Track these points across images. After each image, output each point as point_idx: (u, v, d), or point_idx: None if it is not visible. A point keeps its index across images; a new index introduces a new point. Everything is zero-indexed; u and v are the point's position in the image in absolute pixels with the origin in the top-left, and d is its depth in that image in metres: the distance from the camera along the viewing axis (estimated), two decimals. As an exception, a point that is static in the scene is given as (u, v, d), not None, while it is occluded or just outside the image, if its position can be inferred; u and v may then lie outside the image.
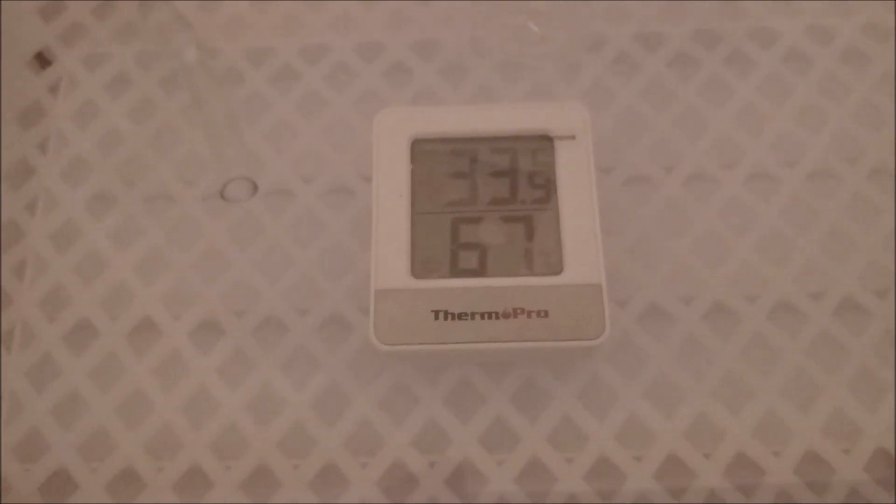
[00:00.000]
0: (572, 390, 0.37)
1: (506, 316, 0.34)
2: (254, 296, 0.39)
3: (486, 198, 0.37)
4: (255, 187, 0.39)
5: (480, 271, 0.35)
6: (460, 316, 0.34)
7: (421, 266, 0.35)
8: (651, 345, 0.37)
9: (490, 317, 0.34)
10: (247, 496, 0.35)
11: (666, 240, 0.39)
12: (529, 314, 0.34)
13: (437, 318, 0.34)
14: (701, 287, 0.38)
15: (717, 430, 0.36)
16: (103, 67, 0.43)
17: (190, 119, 0.42)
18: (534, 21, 0.41)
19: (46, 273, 0.39)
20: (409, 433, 0.36)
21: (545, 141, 0.37)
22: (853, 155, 0.41)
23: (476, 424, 0.36)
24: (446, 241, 0.36)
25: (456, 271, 0.35)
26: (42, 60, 0.45)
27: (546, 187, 0.37)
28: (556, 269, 0.35)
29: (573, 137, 0.37)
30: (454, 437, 0.36)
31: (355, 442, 0.36)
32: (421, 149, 0.37)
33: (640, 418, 0.36)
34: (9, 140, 0.42)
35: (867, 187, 0.40)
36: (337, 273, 0.39)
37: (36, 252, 0.40)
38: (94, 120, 0.42)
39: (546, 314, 0.34)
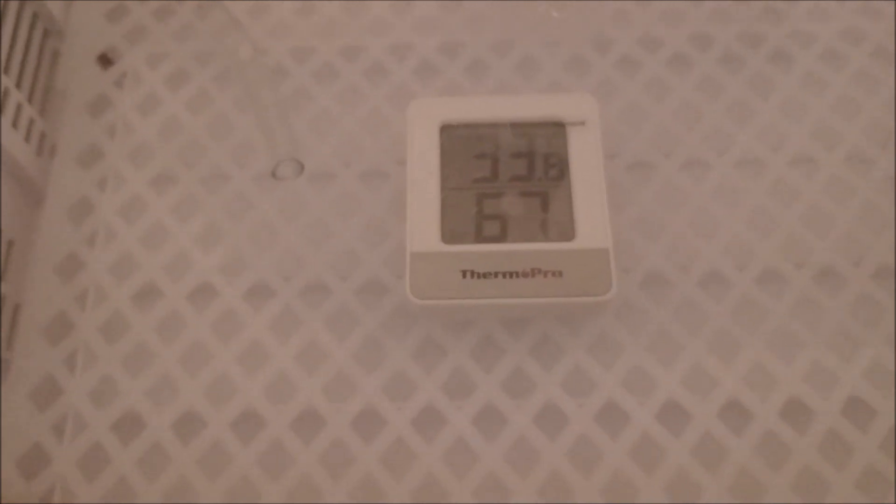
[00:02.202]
0: (583, 344, 0.41)
1: (525, 275, 0.39)
2: (300, 263, 0.44)
3: (507, 175, 0.42)
4: (302, 167, 0.44)
5: (502, 238, 0.40)
6: (485, 275, 0.39)
7: (450, 233, 0.40)
8: (652, 306, 0.42)
9: (511, 276, 0.39)
10: (295, 434, 0.40)
11: (665, 216, 0.44)
12: (546, 274, 0.39)
13: (464, 276, 0.39)
14: (696, 256, 0.43)
15: (711, 379, 0.41)
16: (164, 64, 0.49)
17: (242, 109, 0.47)
18: (554, 10, 0.47)
19: (116, 242, 0.44)
20: (438, 381, 0.41)
21: (558, 127, 0.42)
22: (831, 143, 0.46)
23: (498, 373, 0.41)
24: (472, 212, 0.41)
25: (480, 238, 0.40)
26: (104, 61, 0.50)
27: (559, 166, 0.42)
28: (569, 235, 0.40)
29: (583, 123, 0.42)
30: (479, 383, 0.41)
31: (391, 388, 0.41)
32: (449, 133, 0.42)
33: (642, 368, 0.41)
34: (81, 127, 0.47)
35: (843, 171, 0.45)
36: (373, 244, 0.44)
37: (106, 223, 0.45)
38: (156, 110, 0.47)
39: (560, 274, 0.39)
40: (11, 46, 0.45)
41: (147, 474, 0.39)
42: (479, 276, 0.39)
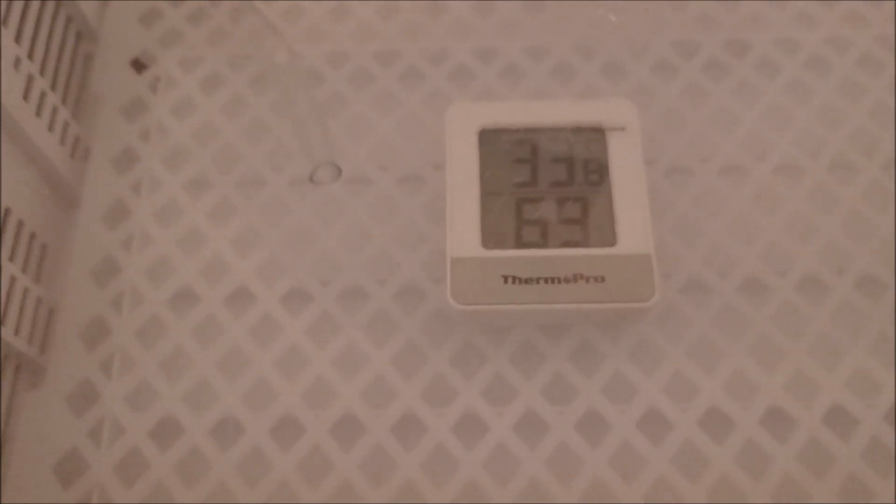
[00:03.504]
0: (623, 350, 0.41)
1: (567, 281, 0.39)
2: (337, 267, 0.43)
3: (547, 181, 0.41)
4: (339, 171, 0.44)
5: (543, 243, 0.40)
6: (526, 280, 0.39)
7: (490, 238, 0.40)
8: (692, 312, 0.42)
9: (553, 281, 0.39)
10: (335, 440, 0.40)
11: (704, 222, 0.44)
12: (588, 279, 0.39)
13: (506, 282, 0.39)
14: (735, 263, 0.43)
15: (753, 386, 0.40)
16: (198, 69, 0.48)
17: (278, 114, 0.47)
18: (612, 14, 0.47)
19: (152, 246, 0.44)
20: (478, 386, 0.41)
21: (598, 132, 0.42)
22: (869, 149, 0.46)
23: (538, 379, 0.41)
24: (512, 218, 0.41)
25: (521, 243, 0.40)
26: (138, 65, 0.50)
27: (599, 172, 0.41)
28: (610, 241, 0.40)
29: (623, 129, 0.42)
30: (519, 389, 0.40)
31: (431, 394, 0.40)
32: (488, 138, 0.42)
33: (683, 375, 0.41)
34: (115, 131, 0.47)
35: (881, 177, 0.45)
36: (411, 248, 0.44)
37: (142, 228, 0.44)
38: (190, 114, 0.47)
39: (603, 279, 0.39)
40: (46, 49, 0.45)
41: (185, 480, 0.39)
42: (520, 282, 0.39)
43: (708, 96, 0.47)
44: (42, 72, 0.44)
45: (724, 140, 0.46)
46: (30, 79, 0.43)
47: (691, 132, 0.46)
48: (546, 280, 0.39)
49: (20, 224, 0.41)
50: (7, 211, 0.40)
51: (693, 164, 0.45)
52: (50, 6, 0.46)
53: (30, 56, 0.43)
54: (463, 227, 0.40)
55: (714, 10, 0.49)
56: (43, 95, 0.44)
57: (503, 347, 0.41)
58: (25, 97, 0.42)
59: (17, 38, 0.42)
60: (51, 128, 0.44)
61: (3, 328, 0.38)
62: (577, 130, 0.42)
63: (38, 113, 0.43)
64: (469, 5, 0.50)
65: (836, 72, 0.48)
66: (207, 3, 0.50)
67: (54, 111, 0.45)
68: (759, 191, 0.45)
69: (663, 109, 0.47)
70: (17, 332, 0.40)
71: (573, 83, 0.48)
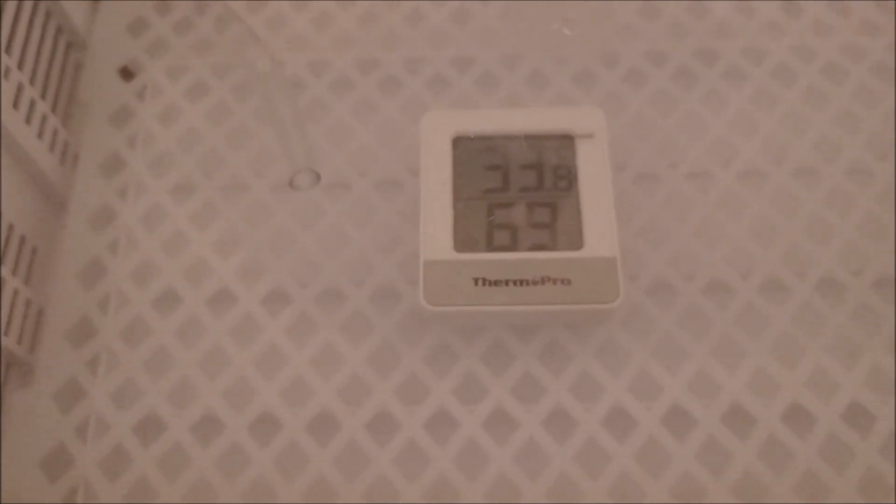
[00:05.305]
0: (590, 350, 0.43)
1: (534, 283, 0.40)
2: (316, 270, 0.45)
3: (517, 186, 0.43)
4: (318, 177, 0.46)
5: (512, 246, 0.41)
6: (496, 283, 0.40)
7: (462, 242, 0.41)
8: (658, 313, 0.43)
9: (521, 283, 0.40)
10: (312, 437, 0.41)
11: (670, 225, 0.45)
12: (555, 282, 0.40)
13: (476, 284, 0.40)
14: (700, 265, 0.44)
15: (715, 385, 0.42)
16: (184, 77, 0.50)
17: (260, 121, 0.48)
18: (566, 28, 0.48)
19: (137, 249, 0.45)
20: (450, 385, 0.42)
21: (567, 139, 0.44)
22: (831, 155, 0.47)
23: (508, 378, 0.42)
24: (483, 222, 0.42)
25: (491, 247, 0.41)
26: (125, 74, 0.51)
27: (568, 178, 0.43)
28: (577, 244, 0.41)
29: (591, 136, 0.43)
30: (489, 388, 0.42)
31: (404, 392, 0.42)
32: (461, 145, 0.44)
33: (648, 374, 0.42)
34: (103, 137, 0.48)
35: (844, 182, 0.46)
36: (387, 251, 0.45)
37: (128, 231, 0.46)
38: (176, 121, 0.49)
39: (569, 282, 0.40)
40: (36, 59, 0.47)
41: (167, 475, 0.41)
42: (490, 284, 0.40)
43: (677, 104, 0.49)
44: (32, 81, 0.46)
45: (691, 146, 0.47)
46: (20, 87, 0.44)
47: (660, 139, 0.48)
48: (515, 282, 0.40)
49: (11, 228, 0.43)
50: (-3, 216, 0.42)
51: (661, 170, 0.47)
52: (40, 17, 0.47)
53: (20, 66, 0.44)
54: (436, 231, 0.41)
55: (685, 20, 0.51)
56: (33, 103, 0.45)
57: (475, 347, 0.43)
58: (16, 105, 0.43)
59: (8, 49, 0.43)
60: (40, 135, 0.46)
61: (-8, 328, 0.40)
62: (547, 137, 0.44)
63: (28, 120, 0.44)
64: (447, 15, 0.51)
65: (801, 80, 0.49)
66: (193, 15, 0.51)
67: (44, 119, 0.46)
68: (725, 196, 0.46)
69: (633, 117, 0.48)
70: (7, 332, 0.41)
71: (546, 91, 0.49)
